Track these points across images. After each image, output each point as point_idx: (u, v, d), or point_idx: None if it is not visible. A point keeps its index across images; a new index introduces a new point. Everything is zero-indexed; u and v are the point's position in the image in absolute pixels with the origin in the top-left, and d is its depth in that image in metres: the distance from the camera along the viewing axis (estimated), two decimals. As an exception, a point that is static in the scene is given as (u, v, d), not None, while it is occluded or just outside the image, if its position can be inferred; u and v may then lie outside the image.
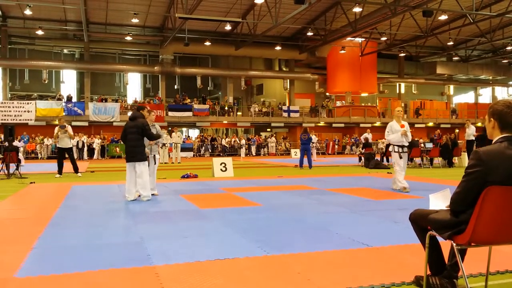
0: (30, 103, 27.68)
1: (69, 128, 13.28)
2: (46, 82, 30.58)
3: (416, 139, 20.34)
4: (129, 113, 30.60)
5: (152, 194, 8.43)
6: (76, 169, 13.29)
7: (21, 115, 27.22)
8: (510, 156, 2.67)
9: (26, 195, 8.86)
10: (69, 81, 33.99)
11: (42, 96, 31.24)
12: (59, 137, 13.02)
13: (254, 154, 30.44)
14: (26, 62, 30.37)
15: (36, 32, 27.48)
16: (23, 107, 27.34)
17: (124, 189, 8.19)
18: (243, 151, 29.75)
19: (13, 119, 26.89)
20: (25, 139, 26.82)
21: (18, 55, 31.77)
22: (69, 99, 29.55)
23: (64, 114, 28.07)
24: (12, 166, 12.91)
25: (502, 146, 2.72)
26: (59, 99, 29.04)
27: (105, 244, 4.58)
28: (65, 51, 33.96)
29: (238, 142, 30.71)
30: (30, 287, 3.29)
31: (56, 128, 13.09)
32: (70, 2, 25.02)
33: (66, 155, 13.28)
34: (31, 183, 11.03)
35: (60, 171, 13.06)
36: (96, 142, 27.03)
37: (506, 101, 2.82)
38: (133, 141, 7.82)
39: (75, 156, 26.28)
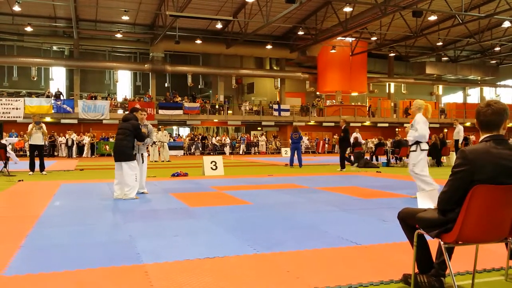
0: (19, 100, 27.48)
1: (44, 126, 13.16)
2: (35, 79, 30.30)
3: (404, 138, 20.49)
4: (119, 111, 30.69)
5: (142, 193, 8.41)
6: (42, 168, 13.18)
7: (9, 113, 26.97)
8: (496, 154, 2.71)
9: (14, 193, 8.77)
10: (58, 79, 33.71)
11: (31, 93, 30.93)
12: (32, 134, 12.86)
13: (241, 153, 30.36)
14: (15, 58, 30.05)
15: (25, 29, 27.18)
16: (11, 104, 27.08)
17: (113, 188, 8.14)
18: (227, 149, 29.77)
19: (1, 117, 26.65)
20: (13, 137, 26.54)
21: (6, 51, 31.43)
22: (57, 95, 29.28)
23: (53, 111, 27.84)
24: (0, 164, 12.77)
25: (488, 145, 2.76)
26: (48, 97, 28.78)
27: (94, 243, 4.55)
28: (55, 48, 33.64)
29: (222, 140, 30.63)
30: (18, 286, 3.26)
31: (31, 125, 12.90)
32: (60, -2, 24.82)
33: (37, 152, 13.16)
34: (19, 181, 10.92)
35: (32, 168, 13.05)
36: (86, 140, 26.85)
37: (488, 100, 2.87)
38: (121, 141, 7.85)
39: (64, 154, 26.25)
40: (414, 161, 7.66)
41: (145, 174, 8.79)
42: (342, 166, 14.88)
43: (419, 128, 7.56)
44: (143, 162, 8.63)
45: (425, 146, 7.70)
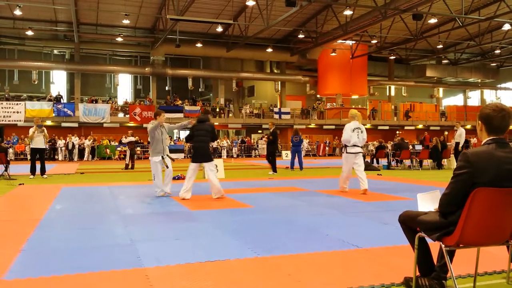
0: (20, 104, 27.50)
1: (45, 129, 13.20)
2: (36, 83, 30.33)
3: (406, 141, 20.53)
4: (120, 115, 30.63)
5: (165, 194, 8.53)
6: (43, 171, 13.19)
7: (10, 116, 26.99)
8: (498, 157, 2.71)
9: (15, 197, 8.78)
10: (59, 82, 33.74)
11: (32, 97, 30.96)
12: (34, 138, 12.86)
13: (235, 156, 30.25)
14: (16, 62, 30.08)
15: (26, 33, 27.19)
16: (12, 108, 27.11)
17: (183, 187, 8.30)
18: (224, 152, 29.73)
19: (2, 120, 26.68)
20: (14, 140, 26.57)
21: (7, 55, 31.47)
22: (58, 99, 29.31)
23: (54, 115, 27.87)
24: (1, 168, 12.78)
25: (490, 148, 2.76)
26: (49, 100, 28.81)
27: (94, 246, 4.55)
28: (55, 51, 33.69)
29: (218, 144, 30.55)
30: (19, 290, 3.26)
31: (33, 128, 12.89)
32: (61, 2, 24.86)
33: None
34: (20, 184, 10.92)
35: (33, 172, 13.04)
36: (86, 143, 26.81)
37: (494, 104, 2.86)
38: (203, 143, 8.25)
39: (61, 157, 26.20)
40: (343, 161, 9.21)
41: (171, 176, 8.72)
42: (274, 169, 14.79)
43: (344, 133, 9.01)
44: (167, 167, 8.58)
45: (351, 149, 8.98)
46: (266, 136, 15.72)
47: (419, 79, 39.96)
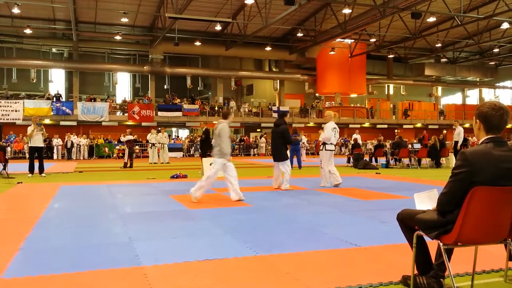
0: (18, 102, 27.45)
1: (43, 128, 13.22)
2: (34, 81, 30.26)
3: (405, 139, 20.54)
4: (118, 113, 30.54)
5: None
6: (41, 170, 13.20)
7: (8, 115, 26.95)
8: (496, 156, 2.71)
9: (13, 195, 8.77)
10: (57, 81, 33.65)
11: (30, 95, 30.90)
12: (33, 136, 12.84)
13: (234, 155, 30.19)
14: (14, 61, 30.00)
15: (24, 31, 27.14)
16: (10, 106, 27.06)
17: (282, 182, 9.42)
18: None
19: (1, 119, 26.63)
20: (12, 139, 26.51)
21: (5, 54, 31.39)
22: (57, 97, 29.28)
23: (52, 113, 27.82)
24: (-1, 166, 12.77)
25: (488, 147, 2.77)
26: (48, 98, 28.76)
27: (93, 245, 4.55)
28: (54, 50, 33.61)
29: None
30: (17, 288, 3.25)
31: (31, 127, 12.85)
32: (59, 1, 24.78)
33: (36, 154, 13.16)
34: (18, 183, 10.91)
35: (32, 170, 13.03)
36: (83, 142, 26.68)
37: (491, 103, 2.86)
38: (276, 144, 9.38)
39: (59, 156, 26.11)
40: (321, 158, 10.14)
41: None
42: None
43: (325, 132, 9.97)
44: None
45: (329, 147, 10.06)
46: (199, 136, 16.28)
47: (417, 78, 39.98)
